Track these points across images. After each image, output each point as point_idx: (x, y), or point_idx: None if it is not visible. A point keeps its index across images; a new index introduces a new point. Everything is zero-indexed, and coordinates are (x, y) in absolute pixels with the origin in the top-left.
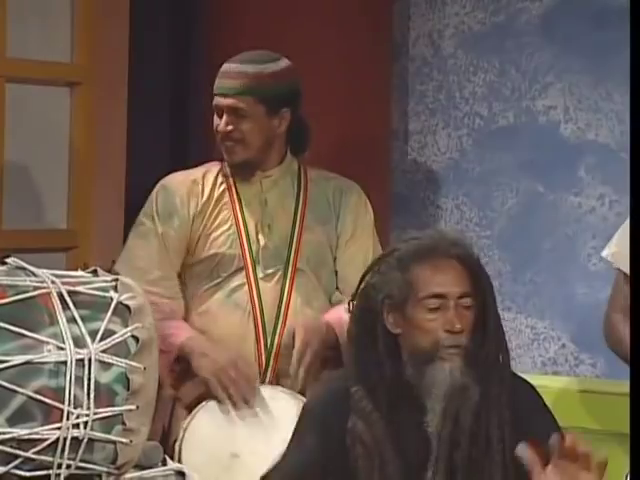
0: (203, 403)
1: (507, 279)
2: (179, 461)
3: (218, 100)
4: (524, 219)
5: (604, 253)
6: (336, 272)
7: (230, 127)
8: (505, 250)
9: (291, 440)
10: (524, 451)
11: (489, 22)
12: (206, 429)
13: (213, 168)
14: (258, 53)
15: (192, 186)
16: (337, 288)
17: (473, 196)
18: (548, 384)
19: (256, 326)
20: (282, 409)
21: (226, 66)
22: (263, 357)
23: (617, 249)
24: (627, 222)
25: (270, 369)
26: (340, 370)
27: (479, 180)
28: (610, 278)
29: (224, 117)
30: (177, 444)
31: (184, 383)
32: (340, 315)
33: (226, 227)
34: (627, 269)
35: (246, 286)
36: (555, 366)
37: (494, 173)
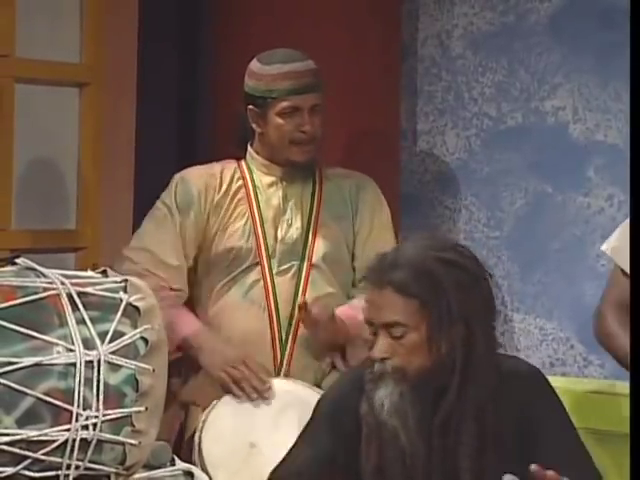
0: (216, 400)
1: (515, 280)
2: (199, 453)
3: (297, 100)
4: (532, 219)
5: (603, 247)
6: (354, 268)
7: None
8: (513, 251)
9: (303, 432)
10: None
11: (498, 22)
12: (225, 421)
13: (230, 165)
14: (289, 50)
15: (210, 179)
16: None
17: (482, 196)
18: (556, 385)
19: (271, 321)
20: (298, 400)
21: (282, 66)
22: (279, 351)
23: (617, 243)
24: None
25: (285, 363)
26: (358, 365)
27: (488, 180)
28: None
29: (305, 116)
30: (196, 436)
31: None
32: (355, 314)
33: (242, 222)
34: (625, 265)
35: (262, 282)
36: (563, 367)
37: (503, 174)
